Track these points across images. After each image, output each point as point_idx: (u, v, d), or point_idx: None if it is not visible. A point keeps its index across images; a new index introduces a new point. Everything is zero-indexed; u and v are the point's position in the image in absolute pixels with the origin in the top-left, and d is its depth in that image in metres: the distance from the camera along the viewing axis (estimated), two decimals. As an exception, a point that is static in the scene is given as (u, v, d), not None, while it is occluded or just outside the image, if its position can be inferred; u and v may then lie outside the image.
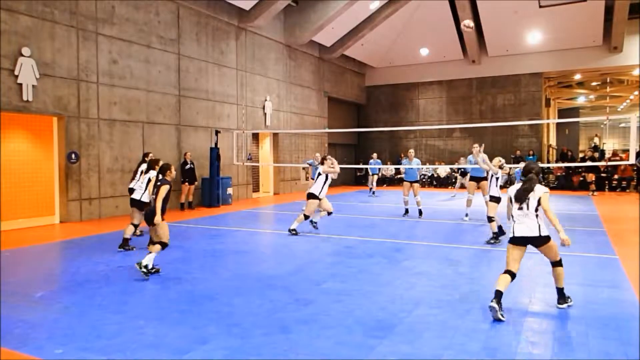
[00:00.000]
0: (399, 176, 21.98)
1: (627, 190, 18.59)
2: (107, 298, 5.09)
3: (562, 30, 19.42)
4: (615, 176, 18.90)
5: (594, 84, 27.61)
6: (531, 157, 19.92)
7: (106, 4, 11.37)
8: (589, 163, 16.67)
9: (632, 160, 11.91)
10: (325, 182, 9.12)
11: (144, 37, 12.37)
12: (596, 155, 19.18)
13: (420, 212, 11.43)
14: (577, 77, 24.58)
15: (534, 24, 19.50)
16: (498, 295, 4.38)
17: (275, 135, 18.18)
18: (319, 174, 9.22)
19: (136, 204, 7.89)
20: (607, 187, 18.90)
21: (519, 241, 4.67)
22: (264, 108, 17.22)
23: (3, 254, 7.27)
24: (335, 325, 4.23)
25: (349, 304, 4.82)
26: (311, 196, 9.02)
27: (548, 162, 23.02)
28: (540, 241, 4.64)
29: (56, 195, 10.77)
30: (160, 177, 6.21)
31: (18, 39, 9.60)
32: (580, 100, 32.21)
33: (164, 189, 6.00)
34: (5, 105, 9.43)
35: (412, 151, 12.10)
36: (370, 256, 7.15)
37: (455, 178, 19.08)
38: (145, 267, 5.80)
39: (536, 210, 4.59)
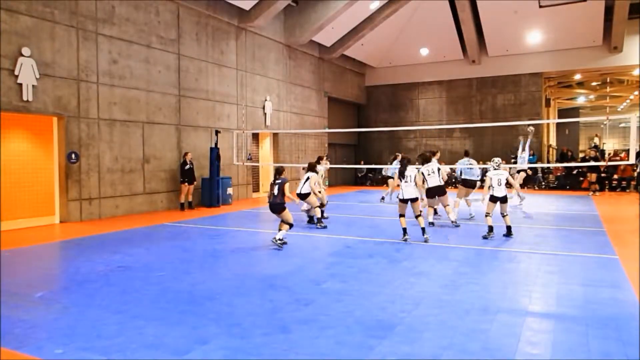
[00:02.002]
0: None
1: (627, 190, 18.59)
2: (107, 298, 5.09)
3: (562, 30, 19.42)
4: (615, 176, 18.89)
5: (594, 84, 27.62)
6: (531, 157, 19.91)
7: (106, 4, 11.37)
8: (591, 163, 16.64)
9: (632, 160, 11.91)
10: (305, 182, 9.95)
11: (144, 37, 12.37)
12: (598, 155, 19.18)
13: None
14: (577, 77, 24.59)
15: (534, 24, 19.50)
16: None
17: (275, 135, 18.18)
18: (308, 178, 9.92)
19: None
20: (607, 187, 18.90)
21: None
22: (264, 108, 17.23)
23: (3, 254, 7.27)
24: (335, 325, 4.23)
25: (349, 304, 4.82)
26: (304, 196, 9.86)
27: (548, 162, 23.03)
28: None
29: (56, 195, 10.78)
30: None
31: (18, 39, 9.60)
32: (580, 100, 32.22)
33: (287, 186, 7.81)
34: (5, 105, 9.43)
35: (398, 155, 12.21)
36: (370, 256, 7.15)
37: (455, 178, 19.05)
38: (280, 239, 7.67)
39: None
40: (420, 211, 8.35)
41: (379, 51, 22.98)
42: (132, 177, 12.13)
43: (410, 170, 8.40)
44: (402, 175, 8.28)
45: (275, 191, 7.74)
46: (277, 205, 7.79)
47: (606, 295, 5.14)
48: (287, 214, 7.81)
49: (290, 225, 7.88)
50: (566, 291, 5.31)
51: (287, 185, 7.80)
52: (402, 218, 8.27)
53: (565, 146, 24.40)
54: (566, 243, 8.21)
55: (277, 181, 7.82)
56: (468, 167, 11.06)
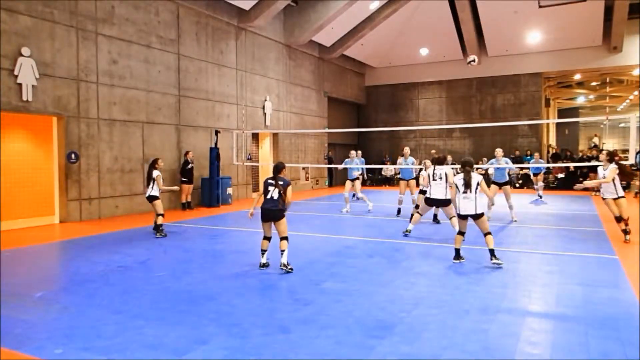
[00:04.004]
0: (398, 176, 21.93)
1: (627, 190, 18.58)
2: (107, 298, 5.09)
3: (562, 30, 19.42)
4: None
5: (593, 84, 27.63)
6: (529, 157, 19.91)
7: (106, 4, 11.36)
8: (594, 163, 16.62)
9: (632, 160, 11.91)
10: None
11: (144, 37, 12.37)
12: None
13: (416, 209, 10.81)
14: (577, 77, 24.59)
15: (534, 24, 19.50)
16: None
17: (275, 135, 18.17)
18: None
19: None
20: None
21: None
22: (263, 108, 17.22)
23: (3, 254, 7.27)
24: (335, 325, 4.23)
25: (349, 304, 4.82)
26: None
27: (548, 162, 23.04)
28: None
29: (56, 195, 10.77)
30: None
31: (18, 39, 9.59)
32: (580, 100, 32.24)
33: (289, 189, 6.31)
34: (5, 105, 9.42)
35: (407, 149, 12.03)
36: (370, 256, 7.15)
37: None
38: (288, 264, 6.19)
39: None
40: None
41: (378, 51, 22.97)
42: (132, 177, 12.13)
43: (439, 170, 8.24)
44: (465, 184, 6.55)
45: (275, 194, 6.19)
46: (277, 212, 6.19)
47: (606, 295, 5.14)
48: (285, 224, 6.30)
49: (287, 239, 6.36)
50: (566, 291, 5.31)
51: (290, 190, 6.27)
52: (459, 236, 6.76)
53: (564, 146, 24.41)
54: (566, 243, 8.21)
55: (278, 182, 6.22)
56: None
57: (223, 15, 15.00)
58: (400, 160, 12.08)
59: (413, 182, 11.52)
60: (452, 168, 9.30)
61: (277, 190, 6.19)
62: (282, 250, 6.22)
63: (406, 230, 8.86)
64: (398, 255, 7.25)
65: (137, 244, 8.20)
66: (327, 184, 22.09)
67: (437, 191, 8.43)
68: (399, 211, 11.76)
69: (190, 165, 13.08)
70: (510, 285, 5.58)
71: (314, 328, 4.16)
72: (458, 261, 6.64)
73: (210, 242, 8.46)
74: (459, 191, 6.53)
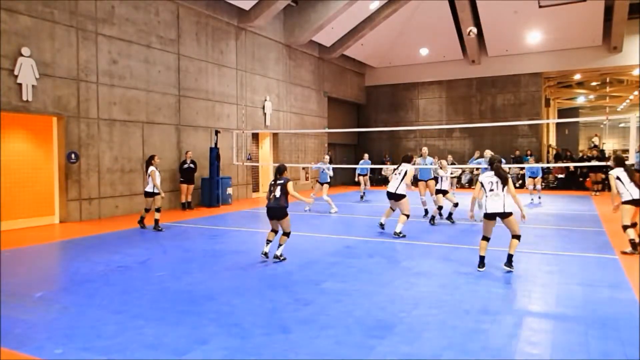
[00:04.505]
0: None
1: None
2: (107, 298, 5.09)
3: (562, 30, 19.42)
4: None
5: (593, 84, 27.63)
6: (527, 157, 19.91)
7: (106, 4, 11.36)
8: (594, 163, 16.62)
9: (632, 160, 11.90)
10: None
11: (144, 37, 12.37)
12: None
13: (439, 210, 10.63)
14: (577, 77, 24.58)
15: (534, 24, 19.50)
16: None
17: (275, 135, 18.18)
18: None
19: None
20: (607, 187, 18.87)
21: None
22: (263, 108, 17.22)
23: (3, 254, 7.27)
24: (335, 325, 4.23)
25: (349, 304, 4.83)
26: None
27: (548, 162, 23.03)
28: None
29: (56, 195, 10.77)
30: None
31: (18, 39, 9.59)
32: (580, 100, 32.23)
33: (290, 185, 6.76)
34: (5, 105, 9.42)
35: (425, 149, 11.82)
36: (370, 256, 7.15)
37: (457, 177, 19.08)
38: (281, 255, 6.76)
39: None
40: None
41: (378, 51, 22.97)
42: (132, 177, 12.13)
43: (403, 167, 8.88)
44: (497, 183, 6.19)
45: (277, 192, 6.65)
46: (279, 210, 6.67)
47: (606, 295, 5.14)
48: (288, 221, 6.78)
49: (289, 235, 6.85)
50: (566, 291, 5.31)
51: (290, 184, 6.70)
52: (484, 242, 6.25)
53: (565, 146, 24.41)
54: (566, 243, 8.21)
55: (278, 181, 6.75)
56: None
57: (223, 15, 15.00)
58: (418, 160, 11.58)
59: (432, 182, 11.15)
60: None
61: (278, 188, 6.68)
62: (280, 244, 6.78)
63: (380, 225, 9.42)
64: (398, 255, 7.26)
65: (137, 244, 8.20)
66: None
67: (392, 185, 8.87)
68: (426, 212, 11.46)
69: (187, 166, 13.07)
70: (510, 285, 5.59)
71: (314, 328, 4.16)
72: (482, 269, 6.13)
73: (210, 242, 8.46)
74: (485, 190, 6.19)
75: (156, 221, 9.52)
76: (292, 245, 7.98)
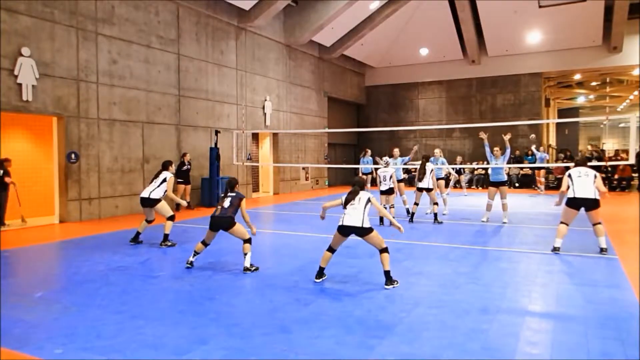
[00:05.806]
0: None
1: (627, 190, 18.59)
2: (107, 298, 5.09)
3: (561, 30, 19.42)
4: (616, 176, 18.89)
5: (593, 84, 27.64)
6: (529, 157, 19.92)
7: (106, 4, 11.36)
8: (594, 162, 16.63)
9: (632, 160, 11.91)
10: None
11: (144, 37, 12.37)
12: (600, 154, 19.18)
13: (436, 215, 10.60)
14: (577, 77, 24.59)
15: (534, 24, 19.50)
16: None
17: (275, 135, 18.18)
18: None
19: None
20: (607, 187, 18.90)
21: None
22: (263, 108, 17.22)
23: (3, 254, 7.27)
24: (335, 325, 4.23)
25: (349, 304, 4.82)
26: None
27: (548, 162, 23.03)
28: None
29: (56, 195, 10.77)
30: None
31: (18, 39, 9.59)
32: (580, 100, 32.25)
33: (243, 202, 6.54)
34: (5, 105, 9.42)
35: (438, 150, 12.15)
36: (370, 256, 7.14)
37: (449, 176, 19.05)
38: (252, 265, 6.32)
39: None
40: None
41: (378, 51, 22.97)
42: (132, 177, 12.13)
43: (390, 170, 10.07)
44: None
45: (226, 203, 6.33)
46: (225, 220, 6.27)
47: (606, 295, 5.14)
48: (240, 229, 6.38)
49: (249, 241, 6.42)
50: (566, 291, 5.31)
51: (244, 202, 6.46)
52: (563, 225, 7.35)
53: (565, 146, 24.40)
54: (566, 243, 8.20)
55: (230, 193, 6.45)
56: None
57: (223, 15, 15.00)
58: (432, 159, 11.58)
59: (442, 182, 11.49)
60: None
61: (228, 200, 6.40)
62: (245, 253, 6.33)
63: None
64: (398, 255, 7.25)
65: (137, 244, 8.19)
66: (327, 184, 22.08)
67: (384, 185, 10.12)
68: (407, 211, 11.42)
69: (185, 167, 13.07)
70: (510, 285, 5.58)
71: (314, 328, 4.16)
72: (557, 252, 7.13)
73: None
74: (572, 182, 7.15)
75: (165, 236, 8.02)
76: (292, 245, 7.98)
